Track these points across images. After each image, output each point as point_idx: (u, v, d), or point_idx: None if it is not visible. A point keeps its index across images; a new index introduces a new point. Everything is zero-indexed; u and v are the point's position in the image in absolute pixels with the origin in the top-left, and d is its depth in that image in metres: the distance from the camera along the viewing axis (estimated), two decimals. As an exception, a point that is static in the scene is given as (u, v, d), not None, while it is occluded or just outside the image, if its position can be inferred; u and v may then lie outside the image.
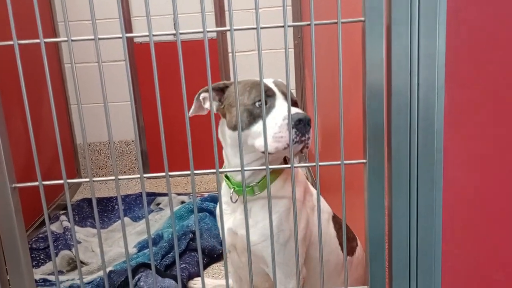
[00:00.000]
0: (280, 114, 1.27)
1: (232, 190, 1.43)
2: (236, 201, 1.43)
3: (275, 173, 1.39)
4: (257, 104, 1.31)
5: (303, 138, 1.24)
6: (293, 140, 1.22)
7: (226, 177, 1.44)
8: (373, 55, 0.89)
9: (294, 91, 3.54)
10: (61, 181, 0.94)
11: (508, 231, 0.98)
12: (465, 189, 0.96)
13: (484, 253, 1.00)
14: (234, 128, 1.36)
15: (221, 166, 1.48)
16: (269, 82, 1.36)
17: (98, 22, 0.87)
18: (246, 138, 1.33)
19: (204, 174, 0.96)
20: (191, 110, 1.45)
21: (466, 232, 0.99)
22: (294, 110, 1.27)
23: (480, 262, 1.00)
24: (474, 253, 1.00)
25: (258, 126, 1.30)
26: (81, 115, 0.95)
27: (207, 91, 1.43)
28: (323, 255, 1.49)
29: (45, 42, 0.89)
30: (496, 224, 0.98)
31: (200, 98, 1.44)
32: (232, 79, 3.39)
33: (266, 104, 1.30)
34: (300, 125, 1.22)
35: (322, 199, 1.55)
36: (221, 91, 1.42)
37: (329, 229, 1.51)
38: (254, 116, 1.32)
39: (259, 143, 1.29)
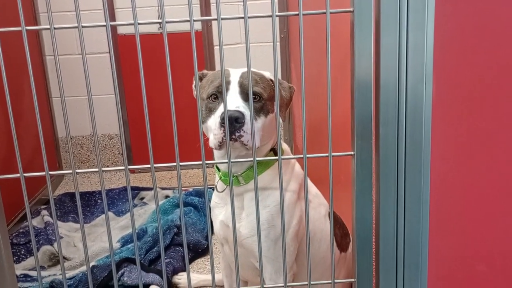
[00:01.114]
0: (221, 110, 1.27)
1: (218, 179, 1.43)
2: (223, 191, 1.42)
3: (264, 166, 1.38)
4: (211, 98, 1.32)
5: (233, 136, 1.22)
6: (222, 139, 1.23)
7: (217, 166, 1.43)
8: (362, 46, 0.88)
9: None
10: (43, 173, 0.92)
11: (493, 224, 0.99)
12: (452, 182, 0.96)
13: (469, 245, 1.01)
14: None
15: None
16: (236, 73, 1.33)
17: (81, 13, 0.85)
18: (206, 131, 1.35)
19: (190, 165, 0.94)
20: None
21: (452, 224, 0.99)
22: (234, 106, 1.25)
23: (465, 254, 1.01)
24: (460, 245, 1.00)
25: (210, 121, 1.31)
26: (64, 107, 0.92)
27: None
28: (320, 252, 1.48)
29: (26, 30, 0.86)
30: (482, 217, 0.99)
31: (193, 86, 1.46)
32: (216, 70, 3.35)
33: (218, 98, 1.31)
34: (228, 124, 1.20)
35: (320, 194, 1.54)
36: (200, 80, 1.43)
37: (326, 225, 1.49)
38: (209, 110, 1.32)
39: (211, 137, 1.30)
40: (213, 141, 1.27)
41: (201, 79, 1.43)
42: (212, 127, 1.28)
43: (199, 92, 0.93)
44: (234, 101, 1.27)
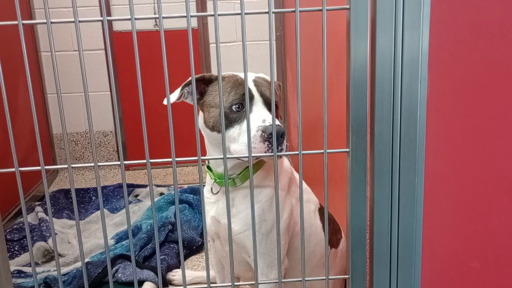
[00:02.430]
0: (255, 122, 1.26)
1: (213, 181, 1.43)
2: (218, 192, 1.43)
3: (258, 165, 1.39)
4: (234, 107, 1.30)
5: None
6: (265, 152, 1.23)
7: (209, 168, 1.43)
8: (358, 44, 0.88)
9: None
10: (38, 168, 0.92)
11: (486, 221, 1.00)
12: (446, 179, 0.97)
13: (463, 242, 1.01)
14: (211, 128, 1.35)
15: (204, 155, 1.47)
16: (249, 80, 1.33)
17: (77, 9, 0.84)
18: (220, 139, 1.34)
19: (186, 161, 0.95)
20: (171, 99, 1.38)
21: (446, 221, 1.00)
22: (270, 119, 1.25)
23: (458, 251, 1.02)
24: (453, 242, 1.01)
25: (233, 131, 1.30)
26: (61, 104, 0.92)
27: (188, 85, 1.37)
28: (309, 247, 1.49)
29: (23, 24, 0.86)
30: (475, 214, 1.00)
31: (185, 90, 1.39)
32: (213, 71, 3.36)
33: (243, 108, 1.30)
34: (272, 138, 1.20)
35: (310, 190, 1.55)
36: (203, 83, 1.37)
37: (316, 221, 1.51)
38: (230, 120, 1.30)
39: (234, 148, 1.29)
40: (246, 153, 1.25)
41: (206, 82, 1.38)
42: (240, 139, 1.27)
43: (195, 94, 0.93)
44: (266, 115, 1.27)
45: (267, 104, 1.31)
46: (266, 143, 1.23)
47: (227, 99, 1.31)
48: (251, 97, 1.30)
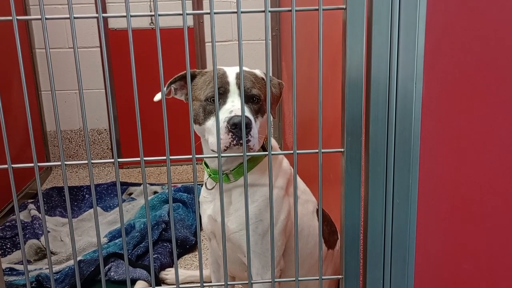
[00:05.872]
0: (224, 114, 1.26)
1: (208, 177, 1.43)
2: (213, 188, 1.42)
3: (253, 162, 1.38)
4: (210, 100, 1.31)
5: (241, 141, 1.22)
6: (230, 144, 1.22)
7: (205, 164, 1.43)
8: (354, 44, 0.88)
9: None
10: (31, 164, 0.91)
11: (479, 223, 1.00)
12: (441, 180, 0.97)
13: (456, 244, 1.02)
14: (194, 121, 1.36)
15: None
16: (232, 73, 1.33)
17: (72, 5, 0.84)
18: (203, 133, 1.35)
19: (180, 159, 0.94)
20: (157, 97, 1.43)
21: (439, 222, 1.00)
22: (238, 110, 1.24)
23: (451, 252, 1.02)
24: (447, 243, 1.02)
25: (209, 123, 1.31)
26: (55, 101, 0.92)
27: (175, 82, 1.41)
28: (307, 248, 1.49)
29: (17, 20, 0.85)
30: (469, 215, 1.00)
31: (171, 87, 1.43)
32: (208, 68, 3.34)
33: (218, 100, 1.28)
34: (236, 129, 1.21)
35: (308, 191, 1.55)
36: (192, 79, 1.40)
37: (314, 222, 1.50)
38: (207, 112, 1.31)
39: (210, 140, 1.30)
40: (215, 145, 1.25)
41: (192, 77, 1.40)
42: (214, 131, 1.26)
43: (190, 91, 0.93)
44: (236, 106, 1.26)
45: (246, 96, 1.30)
46: (230, 134, 1.22)
47: (204, 92, 1.33)
48: (227, 89, 1.29)
